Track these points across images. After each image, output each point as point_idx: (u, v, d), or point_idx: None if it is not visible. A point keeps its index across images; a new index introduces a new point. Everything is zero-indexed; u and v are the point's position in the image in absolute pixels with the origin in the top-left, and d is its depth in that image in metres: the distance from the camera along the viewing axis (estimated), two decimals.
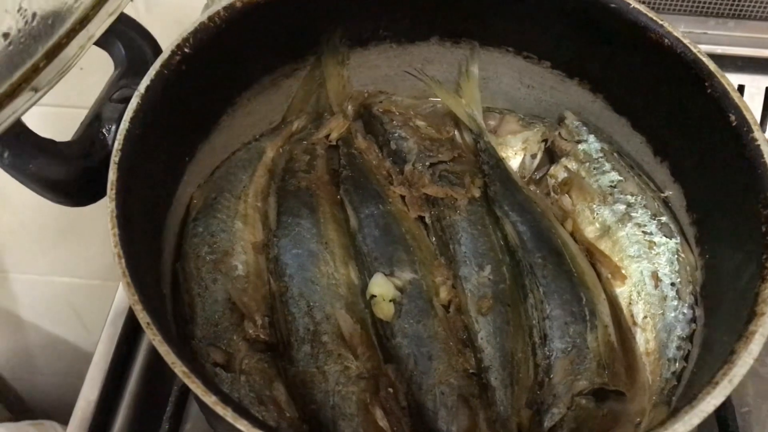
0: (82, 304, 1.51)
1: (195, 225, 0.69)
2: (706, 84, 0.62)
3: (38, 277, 1.47)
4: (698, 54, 0.62)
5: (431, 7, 0.74)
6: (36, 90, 0.49)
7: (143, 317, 0.49)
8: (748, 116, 0.59)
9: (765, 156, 0.57)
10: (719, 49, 0.90)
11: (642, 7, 0.65)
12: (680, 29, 0.89)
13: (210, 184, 0.73)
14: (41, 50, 0.49)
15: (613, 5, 0.66)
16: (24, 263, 1.44)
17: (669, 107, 0.68)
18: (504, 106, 0.82)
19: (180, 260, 0.68)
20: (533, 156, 0.78)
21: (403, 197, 0.75)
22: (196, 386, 0.46)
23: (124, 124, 0.57)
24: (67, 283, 1.47)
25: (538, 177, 0.78)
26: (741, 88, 0.90)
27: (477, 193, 0.74)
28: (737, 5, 0.90)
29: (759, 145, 0.57)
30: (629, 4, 0.66)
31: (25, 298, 1.52)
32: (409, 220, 0.73)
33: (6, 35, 0.49)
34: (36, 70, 0.49)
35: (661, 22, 0.64)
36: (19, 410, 1.69)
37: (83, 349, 1.61)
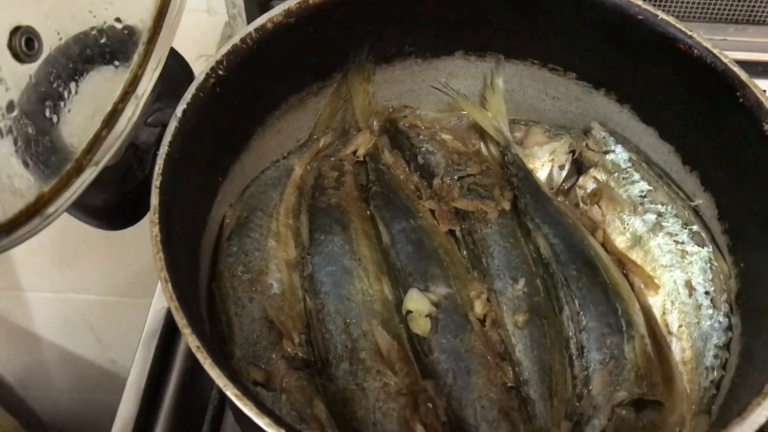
0: (97, 320, 1.52)
1: (229, 244, 0.70)
2: (738, 94, 0.62)
3: (54, 295, 1.48)
4: (729, 64, 0.63)
5: (456, 23, 0.75)
6: (138, 98, 0.56)
7: (193, 341, 0.49)
8: None
9: None
10: (739, 55, 0.89)
11: (670, 18, 0.66)
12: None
13: (241, 203, 0.73)
14: (136, 59, 0.55)
15: (640, 17, 0.67)
16: (40, 281, 1.45)
17: (699, 117, 0.68)
18: (529, 118, 0.83)
19: (215, 280, 0.69)
20: (561, 167, 0.78)
21: (432, 211, 0.75)
22: (249, 408, 0.47)
23: (164, 148, 0.58)
24: (83, 300, 1.48)
25: (566, 188, 0.79)
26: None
27: (507, 206, 0.74)
28: (756, 12, 0.91)
29: None
30: (657, 16, 0.66)
31: (41, 315, 1.52)
32: (440, 234, 0.73)
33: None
34: (135, 77, 0.55)
35: (690, 33, 0.65)
36: (36, 427, 1.69)
37: (99, 366, 1.61)
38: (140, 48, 0.56)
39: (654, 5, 0.89)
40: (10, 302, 1.48)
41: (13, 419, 1.58)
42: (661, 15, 0.66)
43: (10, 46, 0.46)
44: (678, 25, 0.65)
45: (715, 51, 0.63)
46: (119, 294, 1.44)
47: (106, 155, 0.54)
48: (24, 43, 0.47)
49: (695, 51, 0.64)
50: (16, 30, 0.46)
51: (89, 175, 0.53)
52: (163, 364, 0.80)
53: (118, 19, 0.54)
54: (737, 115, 0.62)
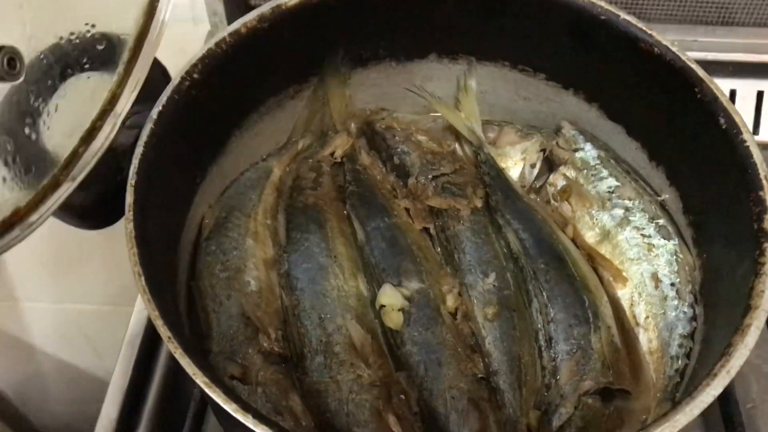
0: (93, 330, 1.53)
1: (208, 244, 0.72)
2: (696, 90, 0.64)
3: (49, 305, 1.48)
4: (687, 61, 0.65)
5: (428, 27, 0.77)
6: (117, 116, 0.57)
7: (164, 331, 0.51)
8: (737, 119, 0.61)
9: (754, 156, 0.59)
10: (710, 56, 0.92)
11: (631, 18, 0.68)
12: (670, 37, 0.92)
13: (220, 204, 0.75)
14: (116, 79, 0.57)
15: (603, 17, 0.69)
16: (35, 291, 1.46)
17: (662, 114, 0.70)
18: (502, 118, 0.84)
19: (194, 278, 0.70)
20: (532, 165, 0.80)
21: (407, 210, 0.77)
22: (217, 395, 0.48)
23: (139, 148, 0.60)
24: (79, 310, 1.49)
25: (538, 186, 0.81)
26: (733, 93, 0.92)
27: (479, 204, 0.76)
28: (725, 13, 0.93)
29: (748, 147, 0.60)
30: (618, 16, 0.68)
31: (37, 326, 1.53)
32: (414, 231, 0.75)
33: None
34: (114, 96, 0.57)
35: (650, 32, 0.67)
36: None
37: (95, 376, 1.62)
38: (120, 68, 0.58)
39: (624, 7, 0.92)
40: (5, 312, 1.49)
41: (10, 430, 1.59)
42: (623, 15, 0.68)
43: None
44: (639, 25, 0.67)
45: (674, 49, 0.65)
46: (115, 303, 1.45)
47: (82, 172, 0.56)
48: (6, 62, 0.48)
49: (655, 49, 0.66)
50: None
51: (65, 190, 0.55)
52: (147, 365, 0.81)
53: (99, 41, 0.56)
54: (696, 111, 0.64)
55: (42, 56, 0.52)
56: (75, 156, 0.55)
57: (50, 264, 1.39)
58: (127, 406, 0.77)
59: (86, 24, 0.55)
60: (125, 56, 0.58)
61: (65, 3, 0.54)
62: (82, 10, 0.55)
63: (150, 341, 0.82)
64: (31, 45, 0.51)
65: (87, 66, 0.56)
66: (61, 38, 0.54)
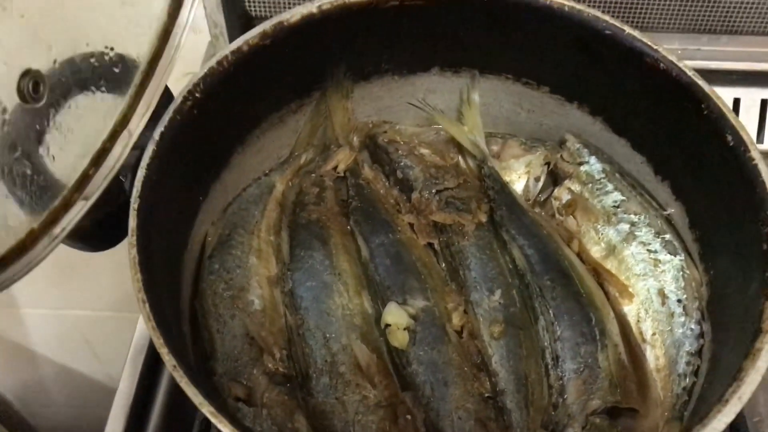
0: (94, 336, 1.53)
1: (211, 262, 0.71)
2: (703, 106, 0.63)
3: (50, 311, 1.48)
4: (693, 77, 0.64)
5: (430, 40, 0.76)
6: (128, 137, 0.57)
7: (169, 360, 0.51)
8: (744, 136, 0.61)
9: (763, 175, 0.58)
10: (713, 65, 0.91)
11: (636, 33, 0.67)
12: (674, 46, 0.92)
13: (223, 221, 0.74)
14: (128, 100, 0.58)
15: (608, 32, 0.68)
16: (36, 298, 1.45)
17: (667, 128, 0.69)
18: (506, 131, 0.84)
19: (198, 298, 0.70)
20: (537, 179, 0.80)
21: (411, 225, 0.77)
22: (223, 425, 0.48)
23: (142, 171, 0.59)
24: (79, 316, 1.49)
25: (542, 199, 0.80)
26: (737, 102, 0.92)
27: (484, 218, 0.76)
28: (729, 21, 0.92)
29: (756, 165, 0.59)
30: (624, 31, 0.68)
31: (38, 332, 1.53)
32: (418, 247, 0.75)
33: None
34: (125, 118, 0.57)
35: (655, 47, 0.66)
36: None
37: (97, 381, 1.62)
38: (132, 90, 0.57)
39: (628, 16, 0.91)
40: (7, 319, 1.49)
41: None
42: (628, 30, 0.67)
43: (19, 89, 0.47)
44: (644, 39, 0.66)
45: (680, 64, 0.65)
46: (115, 309, 1.44)
47: (95, 193, 0.56)
48: (31, 86, 0.48)
49: (661, 64, 0.66)
50: (25, 74, 0.48)
51: (78, 211, 0.55)
52: (151, 379, 0.81)
53: (116, 63, 0.56)
54: (702, 126, 0.64)
55: (63, 79, 0.52)
56: (86, 177, 0.55)
57: (50, 271, 1.37)
58: (132, 423, 0.77)
59: (106, 46, 0.55)
60: (138, 78, 0.58)
61: (88, 25, 0.54)
62: (102, 32, 0.55)
63: (155, 355, 0.81)
64: (55, 70, 0.51)
65: (103, 88, 0.56)
66: (81, 60, 0.53)
